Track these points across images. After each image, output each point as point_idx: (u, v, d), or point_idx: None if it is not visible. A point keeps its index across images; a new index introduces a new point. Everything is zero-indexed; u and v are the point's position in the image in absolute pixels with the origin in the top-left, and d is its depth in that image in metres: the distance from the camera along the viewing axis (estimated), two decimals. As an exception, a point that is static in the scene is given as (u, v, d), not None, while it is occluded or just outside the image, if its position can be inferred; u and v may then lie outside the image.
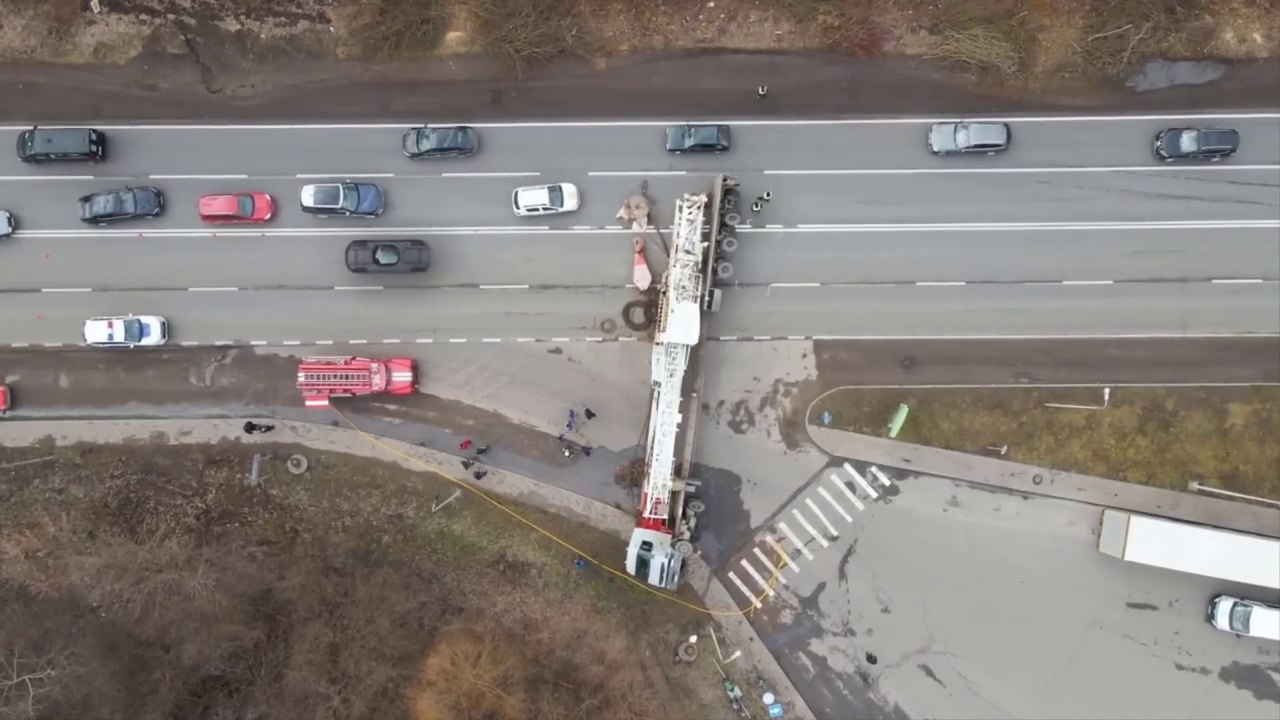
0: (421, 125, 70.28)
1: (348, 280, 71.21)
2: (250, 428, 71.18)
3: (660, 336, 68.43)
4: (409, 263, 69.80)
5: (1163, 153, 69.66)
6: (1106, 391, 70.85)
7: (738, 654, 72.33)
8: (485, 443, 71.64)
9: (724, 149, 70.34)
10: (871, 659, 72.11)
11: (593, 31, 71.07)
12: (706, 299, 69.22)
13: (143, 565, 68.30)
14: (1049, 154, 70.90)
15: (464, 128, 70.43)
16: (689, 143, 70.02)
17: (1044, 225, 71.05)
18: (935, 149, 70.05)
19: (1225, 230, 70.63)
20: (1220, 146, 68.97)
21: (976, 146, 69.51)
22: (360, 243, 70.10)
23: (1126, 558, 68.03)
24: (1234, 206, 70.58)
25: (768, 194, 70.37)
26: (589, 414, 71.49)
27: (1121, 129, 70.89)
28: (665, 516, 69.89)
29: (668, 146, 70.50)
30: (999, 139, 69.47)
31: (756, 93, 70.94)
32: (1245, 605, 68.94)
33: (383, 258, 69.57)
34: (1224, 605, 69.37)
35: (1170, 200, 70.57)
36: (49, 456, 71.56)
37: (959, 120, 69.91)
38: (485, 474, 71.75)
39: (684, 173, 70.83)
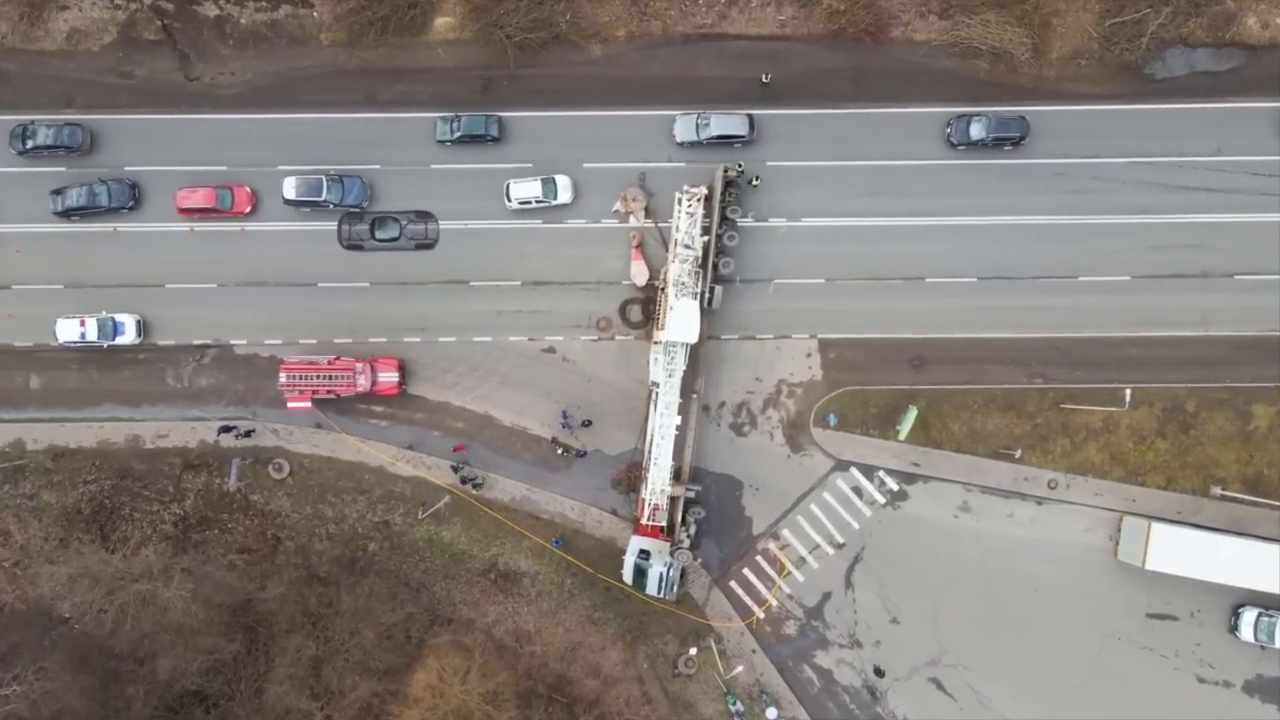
0: (30, 119, 68.59)
1: (332, 276, 70.44)
2: (225, 429, 69.92)
3: (659, 335, 67.52)
4: (413, 238, 66.55)
5: (953, 140, 68.99)
6: (1128, 392, 69.72)
7: (740, 667, 71.30)
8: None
9: (494, 140, 69.22)
10: (879, 672, 71.06)
11: (588, 17, 70.27)
12: (707, 296, 68.40)
13: (116, 575, 67.44)
14: (1063, 144, 69.80)
15: (74, 123, 68.56)
16: (458, 133, 68.70)
17: (1058, 219, 70.03)
18: (679, 140, 69.20)
19: (1248, 224, 69.52)
20: (1010, 134, 68.35)
21: (718, 138, 68.60)
22: (355, 215, 66.79)
23: (1146, 566, 67.06)
24: (1257, 199, 69.49)
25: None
26: (585, 423, 70.29)
27: (1139, 118, 69.72)
28: (664, 523, 68.93)
29: (436, 138, 69.15)
30: (742, 130, 68.54)
31: (759, 81, 69.93)
32: (1270, 616, 67.87)
33: (381, 233, 66.26)
34: (1248, 616, 68.33)
35: (1190, 193, 69.58)
36: (19, 461, 70.64)
37: (700, 111, 68.85)
38: (479, 481, 70.41)
39: (683, 164, 69.73)
